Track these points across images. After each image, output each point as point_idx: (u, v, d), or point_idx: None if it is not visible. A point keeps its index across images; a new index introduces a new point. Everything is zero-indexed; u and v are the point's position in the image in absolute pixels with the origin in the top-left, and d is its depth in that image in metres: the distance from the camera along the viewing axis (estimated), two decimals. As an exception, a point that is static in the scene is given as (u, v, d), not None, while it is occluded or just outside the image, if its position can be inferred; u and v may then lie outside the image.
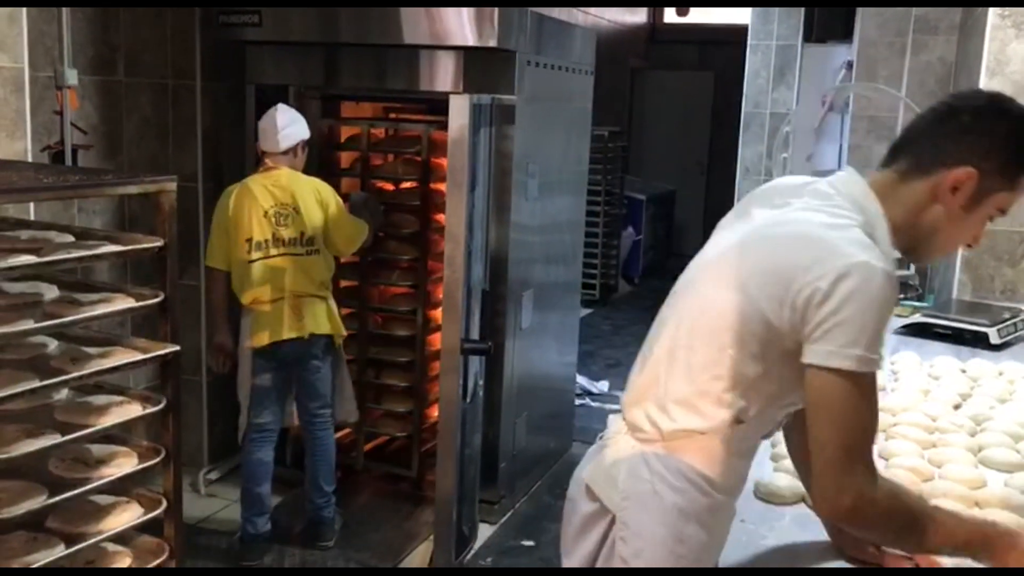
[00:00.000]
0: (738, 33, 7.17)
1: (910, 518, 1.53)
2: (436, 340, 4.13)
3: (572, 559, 1.80)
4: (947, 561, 1.62)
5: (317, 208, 3.67)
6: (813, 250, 1.51)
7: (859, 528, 1.57)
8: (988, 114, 1.58)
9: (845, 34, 6.58)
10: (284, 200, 3.63)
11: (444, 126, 3.76)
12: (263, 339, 3.59)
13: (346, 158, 4.44)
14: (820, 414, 1.49)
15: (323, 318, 3.70)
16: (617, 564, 1.67)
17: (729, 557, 1.68)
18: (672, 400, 1.63)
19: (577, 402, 5.54)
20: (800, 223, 1.58)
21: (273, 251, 3.62)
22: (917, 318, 3.31)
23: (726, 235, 1.71)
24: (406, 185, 4.33)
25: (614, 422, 1.80)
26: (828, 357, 1.46)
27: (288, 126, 3.67)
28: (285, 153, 3.68)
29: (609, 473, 1.71)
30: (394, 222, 4.21)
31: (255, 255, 3.56)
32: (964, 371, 2.73)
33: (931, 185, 1.57)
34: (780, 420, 1.67)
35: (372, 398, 4.33)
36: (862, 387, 1.47)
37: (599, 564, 1.73)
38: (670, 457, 1.62)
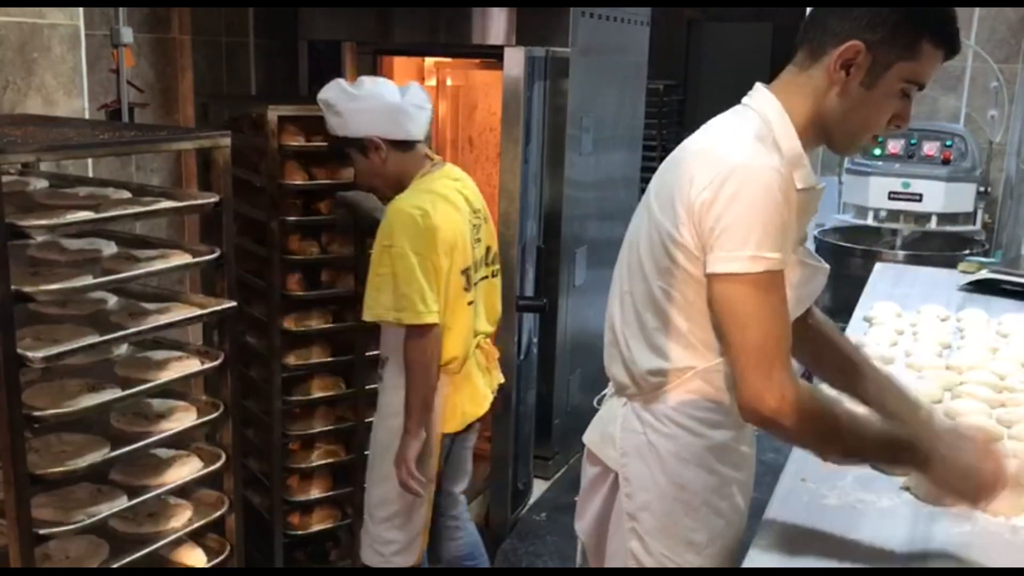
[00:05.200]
0: (798, -18, 6.96)
1: (834, 420, 1.50)
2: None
3: (582, 522, 1.85)
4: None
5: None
6: (699, 162, 1.52)
7: (787, 432, 1.50)
8: None
9: (911, -19, 6.35)
10: (477, 206, 2.64)
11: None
12: (456, 422, 2.51)
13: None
14: (726, 322, 1.48)
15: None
16: (625, 522, 1.69)
17: (791, 517, 1.65)
18: (634, 347, 1.63)
19: (631, 359, 5.51)
20: (696, 142, 1.60)
21: (476, 277, 2.61)
22: (984, 274, 3.21)
23: None
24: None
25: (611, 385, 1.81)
26: (720, 263, 1.46)
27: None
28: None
29: (605, 432, 1.73)
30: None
31: (470, 292, 2.52)
32: (1034, 329, 2.65)
33: (824, 69, 1.54)
34: None
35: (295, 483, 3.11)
36: (761, 288, 1.45)
37: (611, 525, 1.75)
38: (656, 404, 1.64)
